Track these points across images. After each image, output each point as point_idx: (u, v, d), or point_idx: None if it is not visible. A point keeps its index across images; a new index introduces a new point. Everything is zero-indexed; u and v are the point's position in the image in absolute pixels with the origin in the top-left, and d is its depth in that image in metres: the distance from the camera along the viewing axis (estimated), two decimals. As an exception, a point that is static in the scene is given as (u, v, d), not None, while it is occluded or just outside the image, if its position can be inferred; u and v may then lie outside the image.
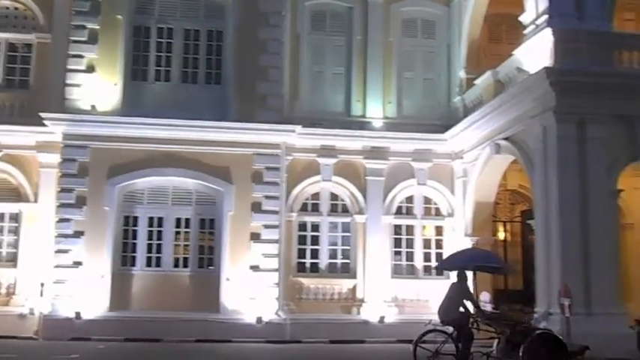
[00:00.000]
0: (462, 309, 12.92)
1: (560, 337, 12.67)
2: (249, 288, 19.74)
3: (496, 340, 12.84)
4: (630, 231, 21.07)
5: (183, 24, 21.09)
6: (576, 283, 15.33)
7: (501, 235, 22.23)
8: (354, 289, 21.03)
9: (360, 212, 21.34)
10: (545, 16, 16.67)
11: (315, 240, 21.40)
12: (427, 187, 21.80)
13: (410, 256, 21.65)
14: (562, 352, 12.32)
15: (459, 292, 12.96)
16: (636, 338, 16.22)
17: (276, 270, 20.10)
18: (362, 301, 20.87)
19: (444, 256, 21.34)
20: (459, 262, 13.68)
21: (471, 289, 12.78)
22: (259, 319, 19.53)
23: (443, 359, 12.56)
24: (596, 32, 16.50)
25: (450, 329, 12.91)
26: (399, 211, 21.75)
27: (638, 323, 17.18)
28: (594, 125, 16.15)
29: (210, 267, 20.39)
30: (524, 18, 17.80)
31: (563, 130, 16.04)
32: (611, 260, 15.95)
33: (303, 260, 21.27)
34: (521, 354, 12.04)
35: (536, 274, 16.77)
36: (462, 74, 21.86)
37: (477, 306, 13.01)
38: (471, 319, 12.94)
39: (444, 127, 21.59)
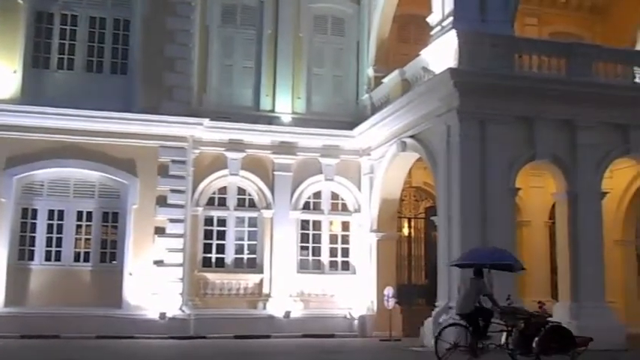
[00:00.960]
0: (477, 304, 13.24)
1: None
2: (153, 283, 19.37)
3: (504, 334, 13.16)
4: (527, 228, 21.94)
5: (88, 11, 20.48)
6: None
7: (406, 231, 22.67)
8: (260, 284, 20.97)
9: (268, 207, 21.29)
10: (451, 19, 17.07)
11: (222, 235, 21.20)
12: (335, 182, 21.98)
13: (317, 251, 21.78)
14: (571, 343, 12.82)
15: (476, 288, 13.23)
16: (531, 331, 16.92)
17: (181, 265, 19.80)
18: (268, 296, 20.84)
19: (351, 252, 21.71)
20: (476, 259, 13.86)
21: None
22: (162, 315, 19.20)
23: (461, 351, 12.95)
24: (499, 36, 17.03)
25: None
26: (306, 207, 21.83)
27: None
28: (495, 125, 16.67)
29: (113, 261, 19.92)
30: (431, 19, 18.18)
31: (466, 129, 16.48)
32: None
33: (208, 255, 21.03)
34: (534, 345, 12.56)
35: (438, 268, 17.17)
36: (370, 72, 22.15)
37: (493, 301, 13.21)
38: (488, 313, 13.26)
39: (352, 124, 21.81)
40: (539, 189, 21.56)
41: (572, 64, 17.52)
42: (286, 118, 21.89)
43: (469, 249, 14.70)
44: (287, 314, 20.60)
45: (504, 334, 13.14)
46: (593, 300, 16.73)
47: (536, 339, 12.61)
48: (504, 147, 16.71)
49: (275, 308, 20.64)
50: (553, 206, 19.03)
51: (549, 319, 13.33)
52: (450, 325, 13.45)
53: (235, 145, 21.15)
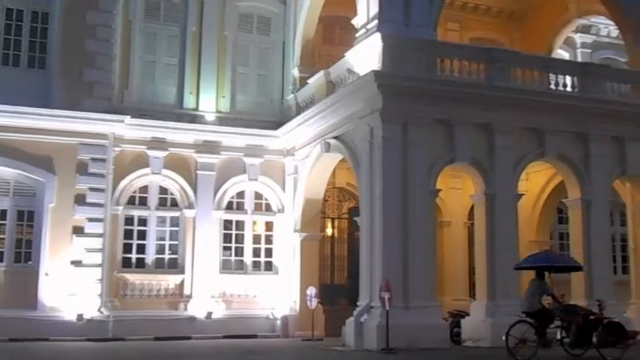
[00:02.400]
0: (542, 302, 14.34)
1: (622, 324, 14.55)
2: (70, 284, 18.81)
3: (559, 330, 14.31)
4: (447, 228, 22.41)
5: (5, 3, 19.79)
6: (396, 277, 16.04)
7: (329, 232, 22.78)
8: (181, 285, 20.67)
9: (190, 207, 21.02)
10: (376, 22, 17.26)
11: (142, 234, 20.78)
12: (258, 182, 21.90)
13: (239, 252, 21.63)
14: (624, 336, 14.15)
15: (540, 288, 14.40)
16: (449, 329, 17.34)
17: (100, 265, 19.32)
18: (189, 296, 20.56)
19: (274, 252, 21.68)
20: (538, 262, 14.95)
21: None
22: (80, 317, 18.69)
23: (528, 346, 13.90)
24: (422, 40, 17.34)
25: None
26: (229, 206, 21.66)
27: (451, 315, 18.40)
28: (417, 128, 16.96)
29: (29, 262, 19.25)
30: (357, 22, 18.37)
31: (388, 131, 16.70)
32: (429, 256, 16.84)
33: (129, 255, 20.58)
34: (594, 339, 13.92)
35: (360, 269, 17.34)
36: (295, 72, 22.17)
37: (555, 299, 14.48)
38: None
39: (277, 124, 21.78)
40: (458, 190, 22.07)
41: (492, 69, 18.00)
42: (210, 117, 21.67)
43: (530, 255, 15.82)
44: (209, 315, 20.39)
45: (559, 329, 14.31)
46: (509, 299, 17.17)
47: (596, 333, 13.94)
48: (426, 149, 17.03)
49: (196, 309, 20.39)
50: (472, 207, 19.46)
51: (605, 315, 14.53)
52: (518, 322, 14.20)
53: (157, 144, 20.79)
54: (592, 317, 14.32)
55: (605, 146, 18.96)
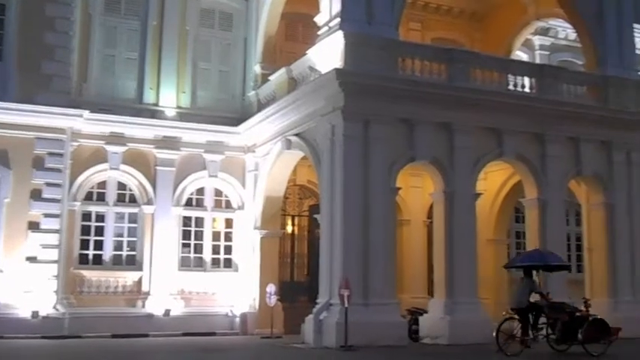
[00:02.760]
0: (531, 299, 14.93)
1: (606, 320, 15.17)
2: (25, 280, 18.44)
3: (545, 326, 14.95)
4: (407, 227, 22.56)
5: (-41, -8, 19.27)
6: (356, 275, 16.12)
7: (290, 229, 22.75)
8: (139, 282, 20.44)
9: (149, 203, 20.80)
10: (338, 20, 17.29)
11: (100, 231, 20.49)
12: (219, 179, 21.76)
13: (199, 249, 21.48)
14: (607, 332, 14.83)
15: (529, 286, 15.00)
16: (407, 326, 17.48)
17: (56, 262, 18.98)
18: (147, 293, 20.34)
19: (234, 249, 21.58)
20: (528, 260, 15.68)
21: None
22: (35, 314, 18.35)
23: (517, 342, 14.63)
24: (384, 39, 17.43)
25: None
26: (189, 203, 21.49)
27: (409, 313, 18.54)
28: (378, 126, 17.05)
29: (-18, 258, 18.82)
30: (319, 19, 18.36)
31: (350, 129, 16.76)
32: (389, 254, 16.96)
33: (86, 252, 20.27)
34: (580, 335, 14.60)
35: (320, 266, 17.36)
36: (257, 69, 22.08)
37: (543, 296, 15.02)
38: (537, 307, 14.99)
39: (238, 120, 21.68)
40: (418, 189, 22.23)
41: (452, 69, 18.20)
42: (170, 112, 21.46)
43: (520, 254, 17.46)
44: (167, 312, 20.21)
45: (545, 326, 14.97)
46: (466, 296, 17.44)
47: (581, 330, 14.63)
48: (386, 147, 17.13)
49: (154, 306, 20.19)
50: (431, 206, 19.63)
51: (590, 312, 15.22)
52: (507, 319, 14.91)
53: (116, 139, 20.51)
54: (578, 314, 14.94)
55: (561, 147, 19.33)
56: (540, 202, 19.01)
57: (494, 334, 14.69)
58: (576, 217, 23.63)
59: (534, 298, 15.03)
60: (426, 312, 18.13)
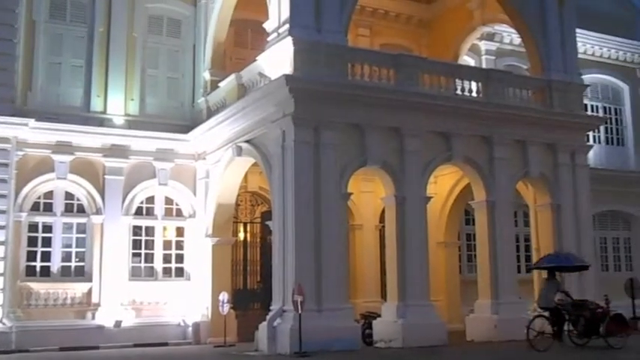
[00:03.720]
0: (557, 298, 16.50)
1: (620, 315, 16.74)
2: (-31, 295, 17.97)
3: (568, 322, 16.48)
4: (359, 231, 22.67)
5: None
6: (309, 281, 16.10)
7: (242, 236, 22.61)
8: (89, 293, 20.04)
9: (98, 212, 20.43)
10: (287, 26, 17.28)
11: (47, 242, 20.02)
12: (169, 187, 21.51)
13: (149, 258, 21.18)
14: (625, 326, 16.45)
15: (554, 286, 16.71)
16: (361, 331, 17.54)
17: (2, 274, 18.53)
18: (97, 305, 19.95)
19: (185, 258, 21.35)
20: (555, 262, 17.41)
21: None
22: (-20, 329, 17.87)
23: (545, 337, 16.02)
24: (333, 45, 17.49)
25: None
26: (139, 212, 21.18)
27: (363, 317, 18.62)
28: (329, 132, 17.09)
29: None
30: (268, 25, 18.32)
31: (300, 135, 16.76)
32: (341, 259, 17.00)
33: (33, 263, 19.77)
34: (601, 330, 16.09)
35: (272, 273, 17.30)
36: (206, 76, 21.92)
37: (568, 295, 16.66)
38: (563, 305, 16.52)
39: (188, 128, 21.49)
40: (370, 194, 22.36)
41: (401, 74, 18.38)
42: (118, 120, 21.15)
43: (544, 256, 18.43)
44: (117, 324, 19.86)
45: (567, 322, 16.49)
46: (419, 299, 17.59)
47: (602, 325, 16.11)
48: (337, 153, 17.18)
49: (105, 318, 19.83)
50: (383, 210, 19.75)
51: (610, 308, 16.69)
52: (537, 316, 16.35)
53: (63, 148, 20.10)
54: (599, 310, 16.47)
55: (508, 149, 19.67)
56: (489, 204, 19.30)
57: (525, 331, 15.94)
58: (524, 218, 24.06)
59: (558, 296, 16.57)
60: (379, 316, 18.23)
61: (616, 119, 29.44)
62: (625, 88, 29.80)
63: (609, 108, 29.38)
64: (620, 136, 29.40)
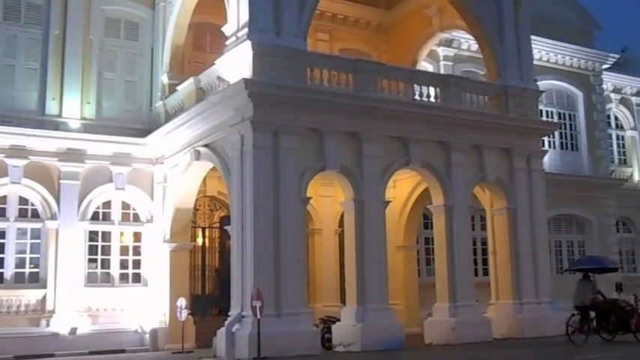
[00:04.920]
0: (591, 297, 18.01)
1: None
2: None
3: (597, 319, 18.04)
4: (318, 236, 22.66)
5: None
6: (268, 285, 16.04)
7: (200, 241, 22.43)
8: (43, 300, 19.63)
9: (53, 218, 20.05)
10: (246, 30, 17.23)
11: (1, 247, 19.54)
12: (126, 192, 21.22)
13: (106, 264, 20.85)
14: None
15: (589, 286, 18.09)
16: (320, 335, 17.52)
17: (-48, 281, 18.09)
18: (52, 312, 19.56)
19: (143, 263, 21.09)
20: (589, 264, 19.54)
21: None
22: None
23: (581, 333, 17.54)
24: (292, 49, 17.47)
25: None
26: (95, 217, 20.85)
27: (322, 321, 18.61)
28: (288, 136, 17.07)
29: None
30: (227, 29, 18.23)
31: (259, 139, 16.69)
32: (300, 264, 16.96)
33: (-15, 270, 19.36)
34: (632, 325, 17.75)
35: (231, 278, 17.18)
36: (164, 79, 21.72)
37: (602, 295, 18.36)
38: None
39: (146, 132, 21.25)
40: (329, 198, 22.38)
41: (359, 79, 18.45)
42: (74, 124, 20.81)
43: (578, 259, 21.12)
44: (73, 331, 19.50)
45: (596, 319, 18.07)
46: (377, 303, 17.66)
47: (631, 320, 17.80)
48: (296, 157, 17.16)
49: (60, 325, 19.45)
50: (342, 215, 19.79)
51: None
52: (574, 314, 17.75)
53: (17, 152, 19.68)
54: (628, 308, 18.20)
55: (465, 154, 19.90)
56: (447, 209, 19.49)
57: (564, 327, 17.65)
58: (481, 221, 24.35)
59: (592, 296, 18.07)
60: (338, 320, 18.24)
61: (570, 125, 30.05)
62: (579, 94, 30.40)
63: (564, 114, 29.95)
64: (574, 141, 30.01)
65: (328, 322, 18.46)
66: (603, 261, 20.24)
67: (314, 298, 21.40)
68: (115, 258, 20.98)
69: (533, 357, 16.10)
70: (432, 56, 26.49)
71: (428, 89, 19.80)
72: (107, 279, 20.79)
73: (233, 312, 16.73)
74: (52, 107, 20.68)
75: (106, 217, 21.11)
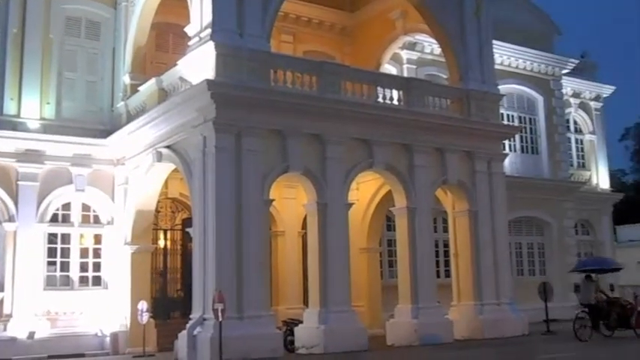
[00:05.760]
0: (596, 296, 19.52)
1: None
2: None
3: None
4: (281, 238, 22.61)
5: None
6: (230, 288, 15.93)
7: (162, 243, 22.20)
8: (0, 304, 19.21)
9: (10, 220, 19.65)
10: (209, 30, 17.12)
11: (-44, 250, 19.20)
12: (86, 193, 20.92)
13: (66, 267, 20.51)
14: None
15: (593, 286, 19.66)
16: (283, 338, 17.49)
17: None
18: (9, 316, 19.17)
19: (103, 266, 20.81)
20: (595, 265, 21.41)
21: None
22: None
23: (587, 329, 18.82)
24: (256, 50, 17.42)
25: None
26: (54, 219, 20.50)
27: (285, 324, 18.58)
28: (251, 138, 17.00)
29: None
30: (190, 30, 18.09)
31: (222, 141, 16.59)
32: (263, 266, 16.90)
33: (-61, 273, 18.91)
34: (632, 321, 19.10)
35: (193, 280, 17.05)
36: (126, 79, 21.47)
37: (604, 294, 19.84)
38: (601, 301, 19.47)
39: (107, 132, 20.99)
40: (292, 200, 22.34)
41: (323, 81, 18.48)
42: (33, 124, 20.43)
43: (581, 260, 22.92)
44: (31, 335, 19.14)
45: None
46: (340, 305, 17.67)
47: (632, 317, 19.14)
48: (259, 159, 17.10)
49: (17, 329, 19.07)
50: (306, 217, 19.78)
51: None
52: (581, 311, 19.12)
53: (-27, 153, 19.32)
54: (629, 306, 19.46)
55: (428, 157, 20.04)
56: (409, 211, 19.60)
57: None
58: (443, 224, 24.52)
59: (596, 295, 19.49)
60: (301, 322, 18.22)
61: (530, 129, 30.49)
62: (539, 98, 30.88)
63: (524, 118, 30.38)
64: (534, 144, 30.45)
65: (291, 325, 18.43)
66: (609, 262, 22.20)
67: (277, 301, 21.34)
68: (74, 261, 20.66)
69: (495, 357, 16.28)
70: (396, 59, 26.63)
71: (391, 92, 19.91)
72: (67, 282, 20.47)
73: (195, 315, 16.59)
74: (10, 107, 20.29)
75: (66, 219, 20.78)
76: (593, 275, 20.23)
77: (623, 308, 19.39)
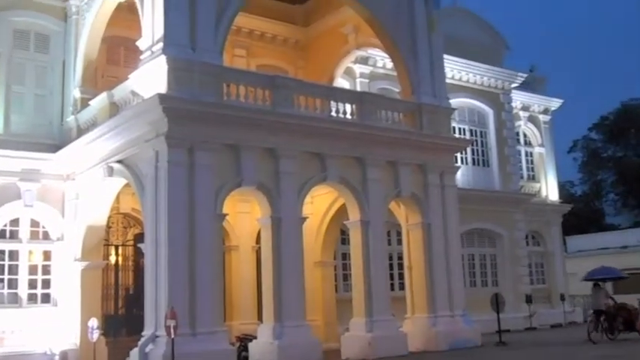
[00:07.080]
0: (607, 302, 21.28)
1: None
2: None
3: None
4: (235, 252, 22.48)
5: None
6: (182, 304, 15.75)
7: (113, 259, 21.86)
8: (-56, 323, 18.74)
9: (-44, 237, 19.19)
10: (161, 44, 16.99)
11: None
12: (35, 209, 20.48)
13: (13, 284, 20.02)
14: None
15: (603, 293, 21.46)
16: (237, 354, 17.35)
17: None
18: (-47, 336, 18.68)
19: (53, 283, 20.39)
20: (605, 274, 23.04)
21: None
22: None
23: (598, 332, 20.64)
24: (208, 64, 17.35)
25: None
26: (2, 235, 20.01)
27: (239, 340, 18.44)
28: (204, 152, 16.89)
29: None
30: (141, 43, 17.92)
31: (174, 155, 16.45)
32: (216, 281, 16.78)
33: None
34: (637, 326, 20.96)
35: (144, 297, 16.81)
36: (76, 93, 21.15)
37: (613, 300, 21.48)
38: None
39: (56, 147, 20.63)
40: (246, 214, 22.24)
41: (276, 95, 18.48)
42: (-20, 139, 20.01)
43: (594, 269, 23.30)
44: (-24, 355, 18.68)
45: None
46: (295, 319, 17.62)
47: (638, 322, 20.97)
48: (212, 174, 16.99)
49: (-38, 349, 18.59)
50: (260, 231, 19.69)
51: None
52: (592, 317, 21.11)
53: None
54: (634, 311, 21.16)
55: (381, 170, 20.19)
56: (363, 224, 19.69)
57: (587, 327, 20.95)
58: (397, 236, 24.71)
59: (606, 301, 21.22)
60: (255, 338, 18.10)
61: (481, 142, 30.99)
62: (490, 112, 31.41)
63: (475, 131, 30.86)
64: (485, 157, 30.95)
65: (245, 340, 18.31)
66: (614, 272, 23.89)
67: (231, 316, 21.20)
68: (22, 278, 20.17)
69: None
70: (349, 73, 26.81)
71: (344, 106, 20.03)
72: (14, 299, 19.98)
73: (147, 332, 16.34)
74: (-45, 121, 19.82)
75: (14, 235, 20.32)
76: (601, 283, 21.99)
77: (629, 313, 21.22)
